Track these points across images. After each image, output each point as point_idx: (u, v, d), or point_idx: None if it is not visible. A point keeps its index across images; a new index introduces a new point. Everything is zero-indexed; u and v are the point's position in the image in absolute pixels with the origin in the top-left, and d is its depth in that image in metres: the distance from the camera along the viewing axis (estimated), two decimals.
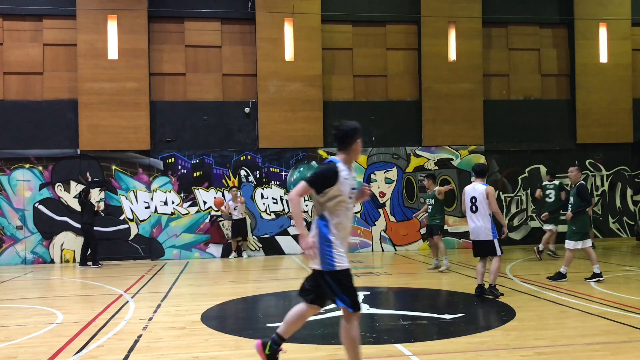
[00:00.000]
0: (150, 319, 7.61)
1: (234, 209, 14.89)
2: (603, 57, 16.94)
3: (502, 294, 8.57)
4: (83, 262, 13.94)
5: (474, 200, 8.62)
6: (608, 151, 17.11)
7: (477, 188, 8.63)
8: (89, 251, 13.93)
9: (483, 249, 8.65)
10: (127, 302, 8.93)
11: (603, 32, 16.92)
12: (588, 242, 9.81)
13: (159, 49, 15.60)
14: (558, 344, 5.82)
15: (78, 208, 14.43)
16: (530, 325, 6.67)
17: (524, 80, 17.08)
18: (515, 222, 16.66)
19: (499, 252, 8.52)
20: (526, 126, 16.79)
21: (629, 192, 17.28)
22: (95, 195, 14.88)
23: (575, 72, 16.95)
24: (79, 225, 14.55)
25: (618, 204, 17.25)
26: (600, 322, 6.72)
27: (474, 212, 8.62)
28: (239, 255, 15.15)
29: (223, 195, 15.28)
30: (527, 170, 16.84)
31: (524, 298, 8.41)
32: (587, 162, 17.10)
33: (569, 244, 9.83)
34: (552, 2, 17.13)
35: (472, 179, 8.95)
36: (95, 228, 14.23)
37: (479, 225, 8.58)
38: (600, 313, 7.18)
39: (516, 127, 16.73)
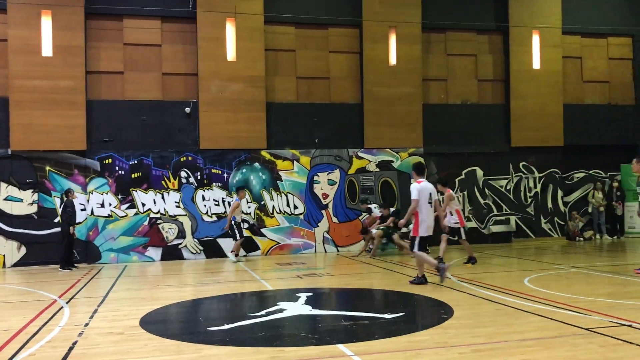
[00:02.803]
0: (86, 324, 7.37)
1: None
2: (536, 64, 17.63)
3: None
4: (65, 265, 13.42)
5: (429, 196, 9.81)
6: (540, 154, 17.81)
7: (431, 186, 9.93)
8: (67, 253, 13.50)
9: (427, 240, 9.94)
10: (62, 307, 8.62)
11: (536, 39, 17.61)
12: None
13: (96, 46, 15.16)
14: (494, 341, 6.01)
15: (8, 210, 13.84)
16: (467, 323, 6.85)
17: (461, 85, 17.56)
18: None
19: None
20: (463, 129, 17.27)
21: (560, 193, 18.04)
22: (28, 197, 14.30)
23: (510, 78, 17.57)
24: (8, 228, 13.99)
25: (549, 205, 17.98)
26: (533, 319, 6.98)
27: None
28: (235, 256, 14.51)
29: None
30: (464, 172, 17.32)
31: (461, 297, 8.63)
32: (521, 164, 17.75)
33: None
34: (489, 10, 17.70)
35: (414, 178, 10.05)
36: (29, 231, 13.64)
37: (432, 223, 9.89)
38: (533, 310, 7.46)
39: (454, 130, 17.19)
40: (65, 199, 13.68)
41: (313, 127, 16.23)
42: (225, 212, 15.37)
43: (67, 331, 7.00)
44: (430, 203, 9.59)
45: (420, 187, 9.59)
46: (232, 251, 14.49)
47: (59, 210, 14.49)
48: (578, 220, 17.73)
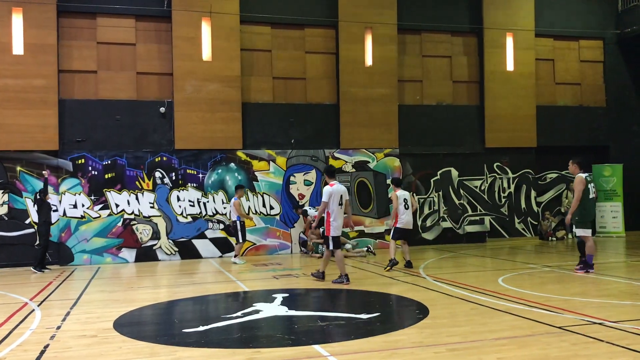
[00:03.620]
0: (58, 327, 7.25)
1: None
2: (509, 66, 17.86)
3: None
4: (39, 267, 13.11)
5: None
6: (514, 155, 18.04)
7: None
8: (42, 255, 13.20)
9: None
10: (33, 310, 8.47)
11: (509, 41, 17.84)
12: None
13: (69, 45, 14.93)
14: (469, 340, 6.06)
15: None
16: (442, 323, 6.90)
17: (436, 86, 17.70)
18: (428, 222, 17.21)
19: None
20: (438, 130, 17.41)
21: (533, 193, 18.29)
22: None
23: (484, 79, 17.76)
24: None
25: (523, 205, 18.22)
26: (507, 318, 7.06)
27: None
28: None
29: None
30: (439, 172, 17.45)
31: (436, 296, 8.70)
32: (495, 165, 17.96)
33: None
34: (463, 12, 17.88)
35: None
36: (2, 233, 13.40)
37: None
38: (506, 309, 7.55)
39: (429, 131, 17.32)
40: (38, 198, 13.42)
41: (289, 127, 16.21)
42: (201, 212, 15.26)
43: (39, 334, 6.88)
44: (340, 204, 10.14)
45: (332, 190, 10.11)
46: (235, 256, 13.87)
47: (31, 212, 14.23)
48: (551, 221, 17.99)
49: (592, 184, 10.92)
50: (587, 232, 10.72)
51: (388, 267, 11.71)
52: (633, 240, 17.26)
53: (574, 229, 10.96)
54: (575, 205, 10.69)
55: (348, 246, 14.97)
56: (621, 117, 19.06)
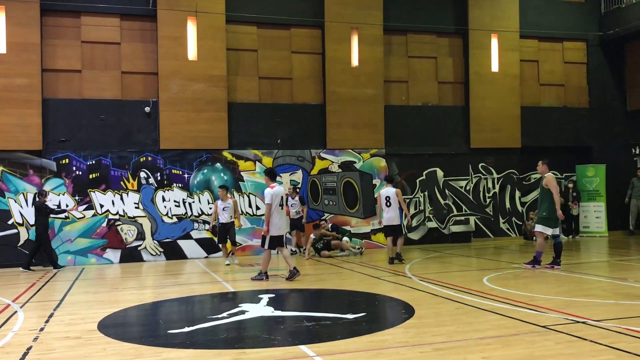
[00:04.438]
0: (41, 329, 7.17)
1: (223, 210, 13.50)
2: (494, 67, 17.97)
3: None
4: (28, 265, 13.27)
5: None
6: (499, 155, 18.16)
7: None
8: (31, 257, 13.32)
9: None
10: (16, 312, 8.37)
11: (494, 43, 17.96)
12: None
13: (53, 43, 14.79)
14: (454, 340, 6.09)
15: None
16: (428, 322, 6.93)
17: (422, 86, 17.77)
18: (414, 222, 17.26)
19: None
20: (424, 131, 17.48)
21: (518, 194, 18.43)
22: None
23: (469, 80, 17.86)
24: None
25: (507, 205, 18.35)
26: (492, 317, 7.11)
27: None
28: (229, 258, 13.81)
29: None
30: (424, 173, 17.52)
31: (422, 296, 8.74)
32: (480, 165, 18.07)
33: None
34: (449, 13, 17.97)
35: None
36: None
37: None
38: (491, 309, 7.60)
39: (415, 131, 17.38)
40: (37, 200, 13.45)
41: (275, 127, 16.18)
42: (187, 213, 15.20)
43: (21, 336, 6.80)
44: (281, 205, 10.57)
45: (272, 192, 10.52)
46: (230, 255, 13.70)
47: (14, 212, 14.08)
48: (535, 221, 18.11)
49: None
50: (546, 230, 11.25)
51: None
52: (616, 240, 17.47)
53: (537, 225, 11.52)
54: (558, 201, 11.12)
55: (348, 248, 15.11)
56: (604, 118, 19.27)
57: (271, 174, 10.93)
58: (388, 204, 12.74)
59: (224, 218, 13.44)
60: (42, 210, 13.31)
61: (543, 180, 11.47)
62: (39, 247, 13.43)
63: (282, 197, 10.59)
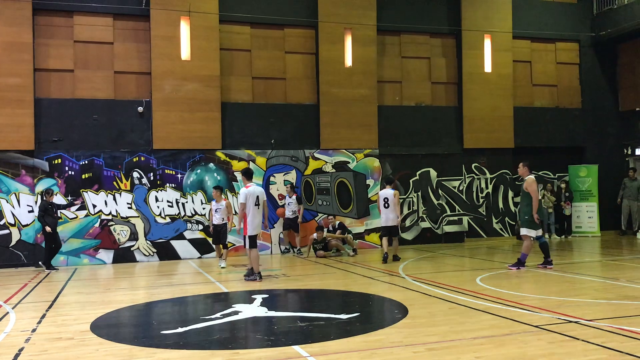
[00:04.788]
0: (33, 330, 7.14)
1: (216, 211, 13.33)
2: (487, 67, 18.01)
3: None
4: (49, 265, 13.31)
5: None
6: (491, 156, 18.21)
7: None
8: (48, 254, 13.36)
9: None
10: (7, 313, 8.33)
11: (487, 43, 18.00)
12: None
13: (45, 43, 14.72)
14: (447, 339, 6.11)
15: None
16: (421, 322, 6.95)
17: (415, 87, 17.79)
18: (407, 222, 17.28)
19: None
20: (417, 131, 17.51)
21: (510, 194, 18.47)
22: None
23: (462, 81, 17.90)
24: None
25: (500, 205, 18.39)
26: (485, 317, 7.13)
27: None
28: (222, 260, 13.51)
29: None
30: (418, 173, 17.55)
31: (415, 296, 8.75)
32: (473, 165, 18.11)
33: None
34: (442, 14, 18.00)
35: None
36: None
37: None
38: (484, 308, 7.62)
39: (408, 132, 17.40)
40: (43, 199, 13.43)
41: (269, 127, 16.17)
42: (180, 213, 15.16)
43: (13, 337, 6.77)
44: (257, 205, 10.66)
45: (247, 191, 10.66)
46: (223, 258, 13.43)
47: (5, 213, 14.01)
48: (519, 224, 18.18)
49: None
50: (531, 233, 11.42)
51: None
52: (608, 239, 17.55)
53: (522, 227, 11.68)
54: (537, 204, 11.31)
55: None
56: (596, 119, 19.35)
57: (247, 174, 11.08)
58: (386, 205, 13.05)
59: (216, 219, 13.38)
60: (48, 210, 13.30)
61: (524, 183, 11.61)
62: (57, 247, 13.52)
63: (257, 196, 10.68)
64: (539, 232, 11.54)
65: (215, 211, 13.36)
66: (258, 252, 11.06)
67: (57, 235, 13.51)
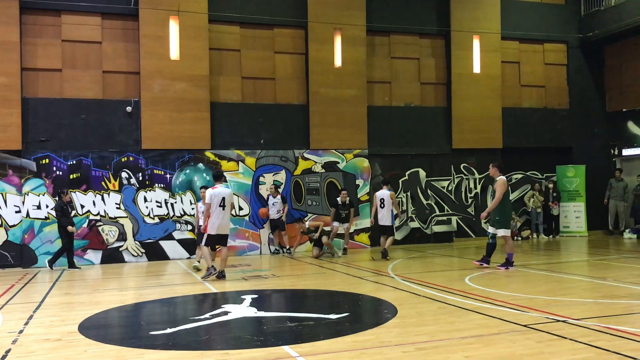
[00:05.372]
0: (20, 331, 7.08)
1: (202, 213, 13.41)
2: (476, 68, 18.09)
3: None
4: (72, 265, 13.45)
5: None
6: (480, 156, 18.27)
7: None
8: (70, 255, 13.48)
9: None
10: None
11: (476, 44, 18.08)
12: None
13: (32, 42, 14.60)
14: (436, 339, 6.13)
15: None
16: (410, 322, 6.97)
17: (404, 87, 17.83)
18: (397, 222, 17.30)
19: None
20: (406, 131, 17.55)
21: None
22: None
23: (451, 81, 17.97)
24: None
25: (489, 205, 18.40)
26: (474, 317, 7.16)
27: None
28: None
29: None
30: (407, 173, 17.59)
31: (405, 296, 8.77)
32: (462, 166, 18.18)
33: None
34: (431, 14, 18.06)
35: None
36: None
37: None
38: (473, 308, 7.66)
39: (397, 132, 17.44)
40: (59, 199, 13.42)
41: (258, 127, 16.14)
42: (169, 213, 15.09)
43: (0, 339, 6.70)
44: (222, 206, 10.92)
45: (213, 192, 10.97)
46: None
47: None
48: (516, 220, 18.29)
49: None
50: (507, 232, 11.62)
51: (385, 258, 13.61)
52: (595, 239, 17.69)
53: (495, 230, 11.71)
54: (495, 204, 11.62)
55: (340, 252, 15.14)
56: (584, 119, 19.50)
57: (215, 176, 11.55)
58: (382, 205, 13.71)
59: (202, 220, 13.27)
60: (65, 210, 13.33)
61: (495, 184, 11.75)
62: (71, 247, 13.53)
63: (223, 197, 10.91)
64: (497, 232, 11.64)
65: (202, 213, 13.24)
66: (209, 250, 11.21)
67: (68, 238, 13.50)
